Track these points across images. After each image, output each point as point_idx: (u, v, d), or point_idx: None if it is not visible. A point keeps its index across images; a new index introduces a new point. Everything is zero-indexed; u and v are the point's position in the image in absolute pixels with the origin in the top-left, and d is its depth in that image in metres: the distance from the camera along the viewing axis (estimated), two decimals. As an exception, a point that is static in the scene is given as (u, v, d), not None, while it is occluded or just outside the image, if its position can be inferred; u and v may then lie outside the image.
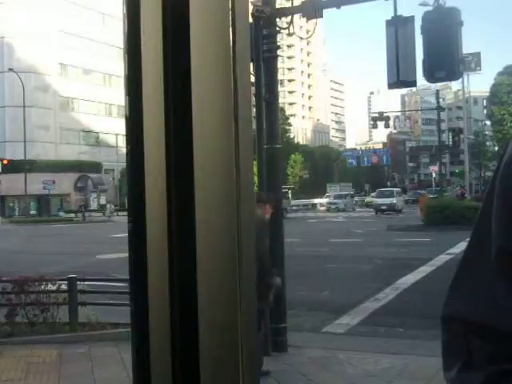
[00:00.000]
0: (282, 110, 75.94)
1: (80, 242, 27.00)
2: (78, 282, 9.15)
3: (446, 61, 7.82)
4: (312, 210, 59.36)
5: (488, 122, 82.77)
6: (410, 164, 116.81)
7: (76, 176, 60.58)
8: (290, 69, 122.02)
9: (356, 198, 68.41)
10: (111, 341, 7.98)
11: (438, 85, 65.02)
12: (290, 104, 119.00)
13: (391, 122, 54.88)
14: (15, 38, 62.27)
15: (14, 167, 53.14)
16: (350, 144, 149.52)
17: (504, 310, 0.69)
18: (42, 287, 8.81)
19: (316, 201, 67.08)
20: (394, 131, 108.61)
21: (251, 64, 7.13)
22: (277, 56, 8.37)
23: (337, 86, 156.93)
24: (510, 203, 0.73)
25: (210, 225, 0.69)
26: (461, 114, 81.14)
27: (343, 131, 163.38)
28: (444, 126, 79.97)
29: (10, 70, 53.58)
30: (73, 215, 52.13)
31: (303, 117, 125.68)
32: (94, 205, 58.31)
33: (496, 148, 78.13)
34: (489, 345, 0.70)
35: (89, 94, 67.37)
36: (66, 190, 59.16)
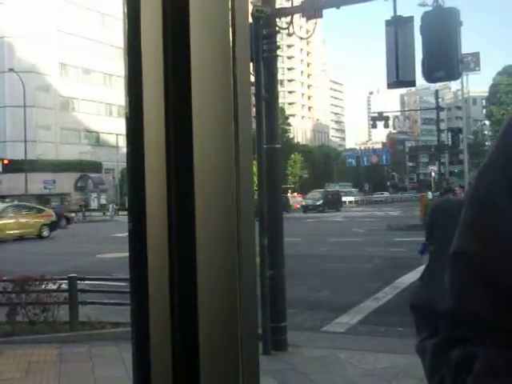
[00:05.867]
0: (282, 109, 75.91)
1: (80, 241, 27.01)
2: (79, 282, 9.16)
3: (445, 61, 7.82)
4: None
5: (487, 122, 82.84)
6: (410, 164, 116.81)
7: (76, 176, 60.60)
8: (289, 69, 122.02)
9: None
10: (111, 340, 7.99)
11: (438, 85, 65.11)
12: (290, 104, 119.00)
13: (390, 122, 54.89)
14: (15, 37, 62.23)
15: (14, 167, 53.15)
16: (349, 144, 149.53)
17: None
18: (43, 286, 8.82)
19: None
20: (394, 131, 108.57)
21: (251, 64, 7.12)
22: (276, 56, 8.37)
23: (336, 86, 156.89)
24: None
25: (210, 225, 0.69)
26: (460, 113, 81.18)
27: (343, 131, 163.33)
28: (443, 125, 79.91)
29: (11, 70, 53.56)
30: (73, 215, 52.09)
31: (303, 117, 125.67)
32: (94, 204, 58.28)
33: (496, 148, 77.91)
34: (441, 324, 0.78)
35: (89, 94, 67.33)
36: (67, 190, 59.14)
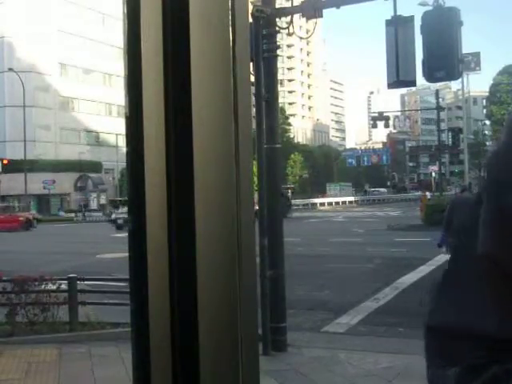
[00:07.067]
0: (282, 109, 75.91)
1: (80, 241, 27.02)
2: (78, 282, 9.16)
3: (446, 61, 7.83)
4: (312, 210, 59.37)
5: (487, 122, 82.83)
6: (410, 164, 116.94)
7: (76, 176, 60.61)
8: (289, 68, 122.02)
9: None
10: (111, 340, 7.99)
11: (438, 84, 65.07)
12: (290, 104, 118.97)
13: (391, 122, 54.90)
14: (15, 38, 62.24)
15: (13, 167, 53.18)
16: (349, 144, 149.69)
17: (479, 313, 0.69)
18: (42, 287, 8.82)
19: (316, 200, 67.37)
20: (394, 131, 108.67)
21: (251, 64, 7.10)
22: (276, 56, 8.37)
23: (337, 86, 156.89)
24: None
25: (210, 225, 0.69)
26: (460, 113, 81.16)
27: (343, 131, 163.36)
28: (443, 125, 79.93)
29: (10, 69, 53.56)
30: (73, 215, 52.16)
31: (303, 116, 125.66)
32: (94, 204, 58.31)
33: (496, 148, 77.81)
34: (465, 346, 0.69)
35: (89, 94, 67.34)
36: (66, 190, 59.18)
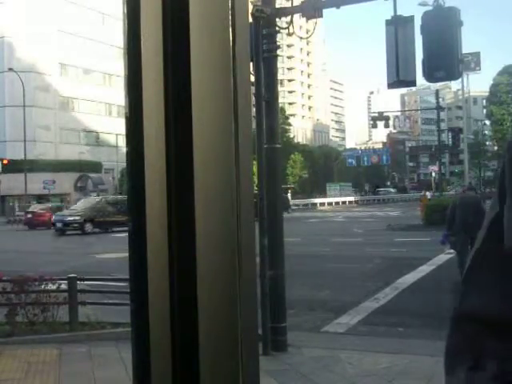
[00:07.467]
0: (282, 109, 75.88)
1: (80, 241, 27.02)
2: (78, 282, 9.16)
3: (446, 61, 7.83)
4: (312, 210, 59.36)
5: (487, 122, 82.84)
6: (410, 164, 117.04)
7: (76, 176, 60.60)
8: (289, 68, 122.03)
9: None
10: (111, 340, 7.99)
11: (438, 84, 65.17)
12: (290, 104, 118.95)
13: (391, 122, 54.88)
14: (15, 38, 62.23)
15: (14, 167, 53.17)
16: (349, 144, 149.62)
17: None
18: (42, 287, 8.82)
19: (316, 200, 67.39)
20: (394, 131, 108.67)
21: (251, 63, 7.08)
22: (276, 56, 8.37)
23: (337, 86, 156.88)
24: None
25: (210, 225, 0.69)
26: (460, 113, 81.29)
27: (343, 131, 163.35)
28: (444, 125, 79.98)
29: (10, 69, 53.55)
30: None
31: (303, 116, 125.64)
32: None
33: (495, 148, 78.13)
34: (506, 343, 0.64)
35: (89, 94, 67.32)
36: (66, 190, 59.15)
